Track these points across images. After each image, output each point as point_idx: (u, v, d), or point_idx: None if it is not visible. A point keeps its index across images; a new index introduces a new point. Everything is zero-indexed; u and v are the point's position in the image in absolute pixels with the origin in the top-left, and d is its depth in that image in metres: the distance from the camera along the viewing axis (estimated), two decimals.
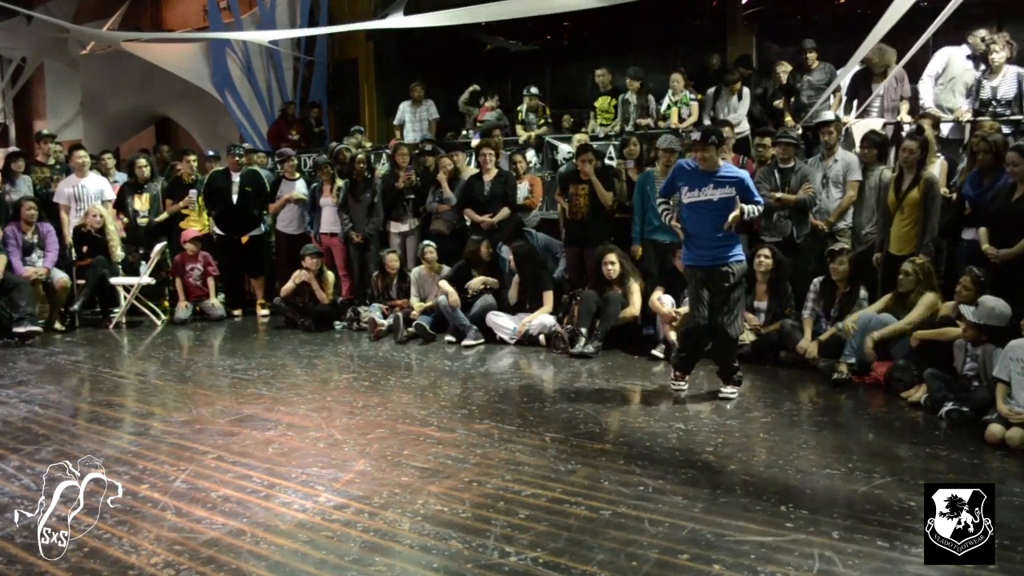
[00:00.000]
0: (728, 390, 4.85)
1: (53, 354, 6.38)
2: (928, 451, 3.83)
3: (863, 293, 5.53)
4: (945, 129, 6.61)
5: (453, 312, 6.61)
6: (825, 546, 2.77)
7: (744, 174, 4.75)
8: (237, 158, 8.25)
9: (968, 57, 6.81)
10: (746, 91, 7.73)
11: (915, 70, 7.15)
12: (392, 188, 7.71)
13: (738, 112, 7.65)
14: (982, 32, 6.71)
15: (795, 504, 3.13)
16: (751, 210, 4.67)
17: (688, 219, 4.77)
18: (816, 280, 5.70)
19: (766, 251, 5.82)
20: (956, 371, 4.51)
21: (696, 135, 4.90)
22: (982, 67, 6.66)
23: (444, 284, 6.76)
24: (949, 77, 6.84)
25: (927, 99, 6.87)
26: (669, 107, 8.14)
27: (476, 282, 6.75)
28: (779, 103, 7.73)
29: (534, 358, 6.11)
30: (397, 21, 8.70)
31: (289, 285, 7.45)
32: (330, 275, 7.60)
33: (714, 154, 4.65)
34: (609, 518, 3.03)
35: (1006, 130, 5.99)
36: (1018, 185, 4.98)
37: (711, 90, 7.96)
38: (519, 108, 9.12)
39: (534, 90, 8.99)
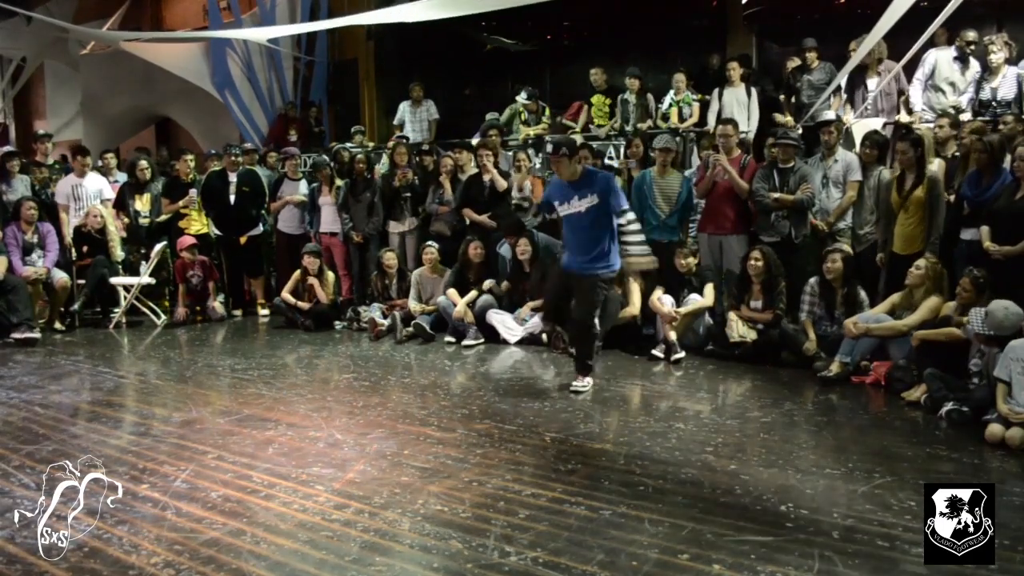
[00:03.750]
0: (580, 383, 4.96)
1: (53, 354, 6.38)
2: (928, 451, 3.83)
3: (862, 295, 5.51)
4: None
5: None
6: (825, 546, 2.77)
7: (606, 175, 4.76)
8: (233, 158, 8.24)
9: (955, 59, 6.85)
10: (753, 91, 7.71)
11: (908, 71, 7.17)
12: (390, 187, 7.71)
13: (752, 117, 7.60)
14: (971, 34, 6.73)
15: (795, 504, 3.13)
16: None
17: (565, 230, 4.88)
18: (812, 281, 5.66)
19: (756, 253, 5.83)
20: (958, 369, 4.51)
21: (549, 147, 4.81)
22: (971, 68, 6.79)
23: (453, 294, 6.75)
24: (938, 79, 6.90)
25: (916, 102, 6.89)
26: (671, 107, 8.13)
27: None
28: (775, 92, 7.72)
29: (534, 358, 6.10)
30: (393, 13, 8.66)
31: (288, 286, 7.46)
32: (330, 275, 7.59)
33: (567, 165, 4.68)
34: (609, 518, 3.03)
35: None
36: (1022, 183, 4.98)
37: (716, 90, 7.93)
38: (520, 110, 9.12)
39: (523, 97, 8.96)
